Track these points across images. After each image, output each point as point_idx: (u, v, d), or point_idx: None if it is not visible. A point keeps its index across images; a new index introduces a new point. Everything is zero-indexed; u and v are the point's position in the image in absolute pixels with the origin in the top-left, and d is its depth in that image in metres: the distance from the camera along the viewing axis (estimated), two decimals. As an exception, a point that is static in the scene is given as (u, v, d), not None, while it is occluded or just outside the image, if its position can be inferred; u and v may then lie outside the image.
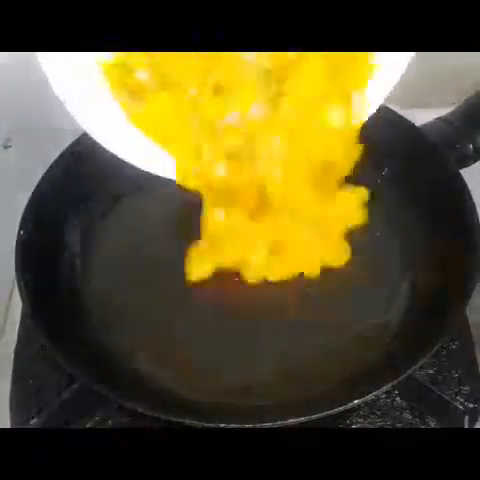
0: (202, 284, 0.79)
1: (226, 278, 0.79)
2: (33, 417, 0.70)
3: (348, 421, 0.71)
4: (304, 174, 0.76)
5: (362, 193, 0.82)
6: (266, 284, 0.79)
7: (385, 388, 0.66)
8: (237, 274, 0.79)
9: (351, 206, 0.81)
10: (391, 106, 0.88)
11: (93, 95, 0.74)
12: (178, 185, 0.76)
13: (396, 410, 0.72)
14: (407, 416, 0.72)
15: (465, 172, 0.82)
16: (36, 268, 0.77)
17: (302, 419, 0.64)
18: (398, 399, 0.72)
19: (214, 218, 0.76)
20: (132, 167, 0.78)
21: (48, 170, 0.84)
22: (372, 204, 0.84)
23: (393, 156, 0.87)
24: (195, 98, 0.73)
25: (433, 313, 0.73)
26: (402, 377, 0.66)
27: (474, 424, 0.70)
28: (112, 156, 0.77)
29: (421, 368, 0.68)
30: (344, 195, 0.80)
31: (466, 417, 0.70)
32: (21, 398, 0.74)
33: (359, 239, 0.82)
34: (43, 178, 0.83)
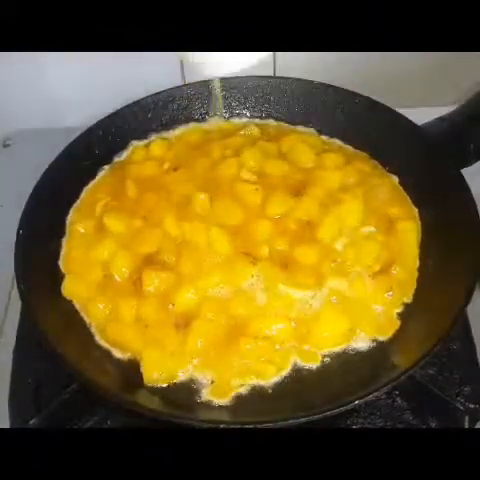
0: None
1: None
2: (33, 417, 0.69)
3: (349, 421, 0.71)
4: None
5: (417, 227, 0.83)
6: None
7: (386, 389, 0.66)
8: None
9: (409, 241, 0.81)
10: (392, 105, 0.89)
11: None
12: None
13: (397, 410, 0.72)
14: (408, 416, 0.71)
15: (465, 172, 0.82)
16: (36, 268, 0.77)
17: (302, 420, 0.64)
18: (399, 400, 0.72)
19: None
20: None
21: (47, 170, 0.84)
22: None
23: (394, 156, 0.87)
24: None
25: (434, 314, 0.73)
26: (403, 377, 0.66)
27: (475, 424, 0.70)
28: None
29: (422, 368, 0.68)
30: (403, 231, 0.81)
31: (466, 417, 0.69)
32: (21, 398, 0.74)
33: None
34: (42, 178, 0.83)
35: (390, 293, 0.77)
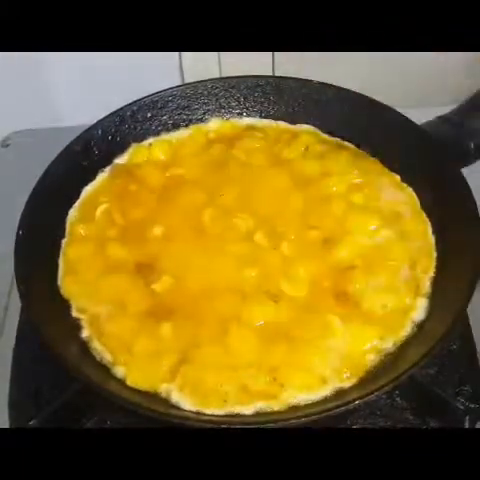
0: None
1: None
2: (33, 417, 0.69)
3: (349, 421, 0.71)
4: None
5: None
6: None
7: (386, 389, 0.66)
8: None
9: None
10: (392, 105, 0.89)
11: None
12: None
13: (397, 410, 0.72)
14: (408, 416, 0.71)
15: (466, 171, 0.82)
16: (36, 268, 0.77)
17: (303, 420, 0.64)
18: (399, 399, 0.72)
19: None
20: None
21: (47, 170, 0.84)
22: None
23: (393, 155, 0.87)
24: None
25: (434, 313, 0.73)
26: (403, 377, 0.66)
27: (475, 424, 0.70)
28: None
29: (422, 368, 0.68)
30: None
31: (467, 417, 0.69)
32: (21, 398, 0.74)
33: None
34: (42, 178, 0.83)
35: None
